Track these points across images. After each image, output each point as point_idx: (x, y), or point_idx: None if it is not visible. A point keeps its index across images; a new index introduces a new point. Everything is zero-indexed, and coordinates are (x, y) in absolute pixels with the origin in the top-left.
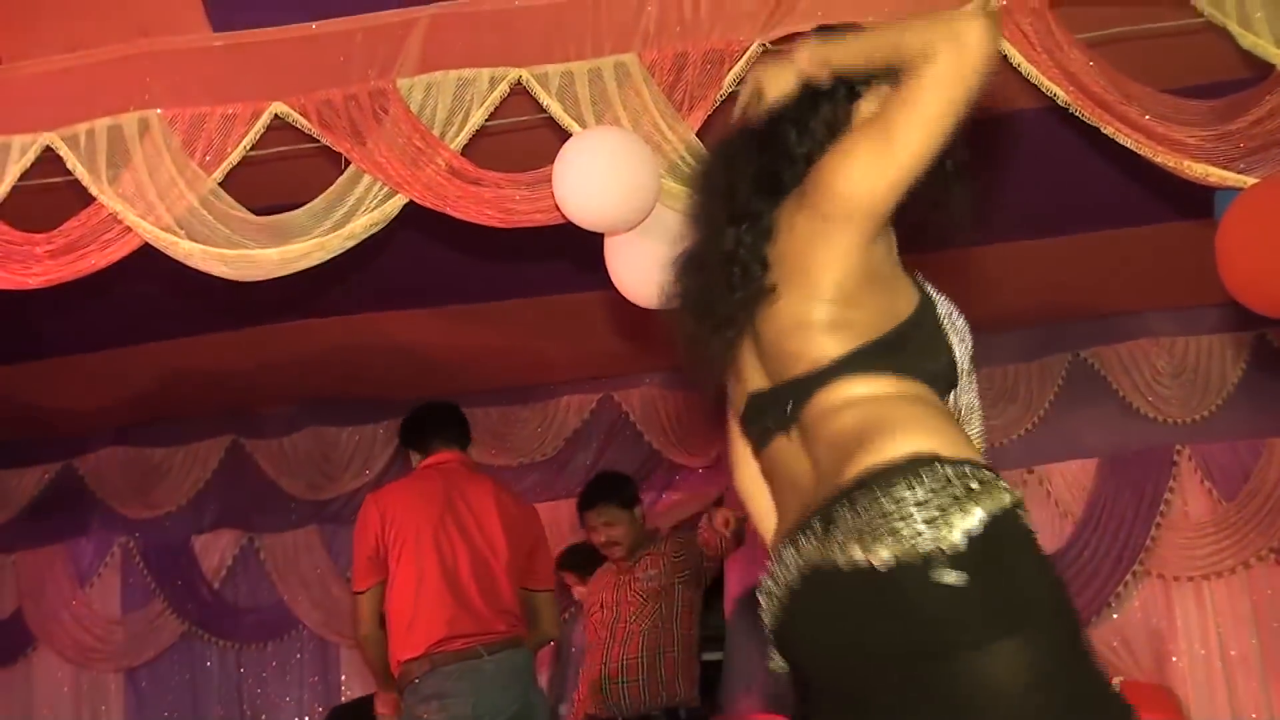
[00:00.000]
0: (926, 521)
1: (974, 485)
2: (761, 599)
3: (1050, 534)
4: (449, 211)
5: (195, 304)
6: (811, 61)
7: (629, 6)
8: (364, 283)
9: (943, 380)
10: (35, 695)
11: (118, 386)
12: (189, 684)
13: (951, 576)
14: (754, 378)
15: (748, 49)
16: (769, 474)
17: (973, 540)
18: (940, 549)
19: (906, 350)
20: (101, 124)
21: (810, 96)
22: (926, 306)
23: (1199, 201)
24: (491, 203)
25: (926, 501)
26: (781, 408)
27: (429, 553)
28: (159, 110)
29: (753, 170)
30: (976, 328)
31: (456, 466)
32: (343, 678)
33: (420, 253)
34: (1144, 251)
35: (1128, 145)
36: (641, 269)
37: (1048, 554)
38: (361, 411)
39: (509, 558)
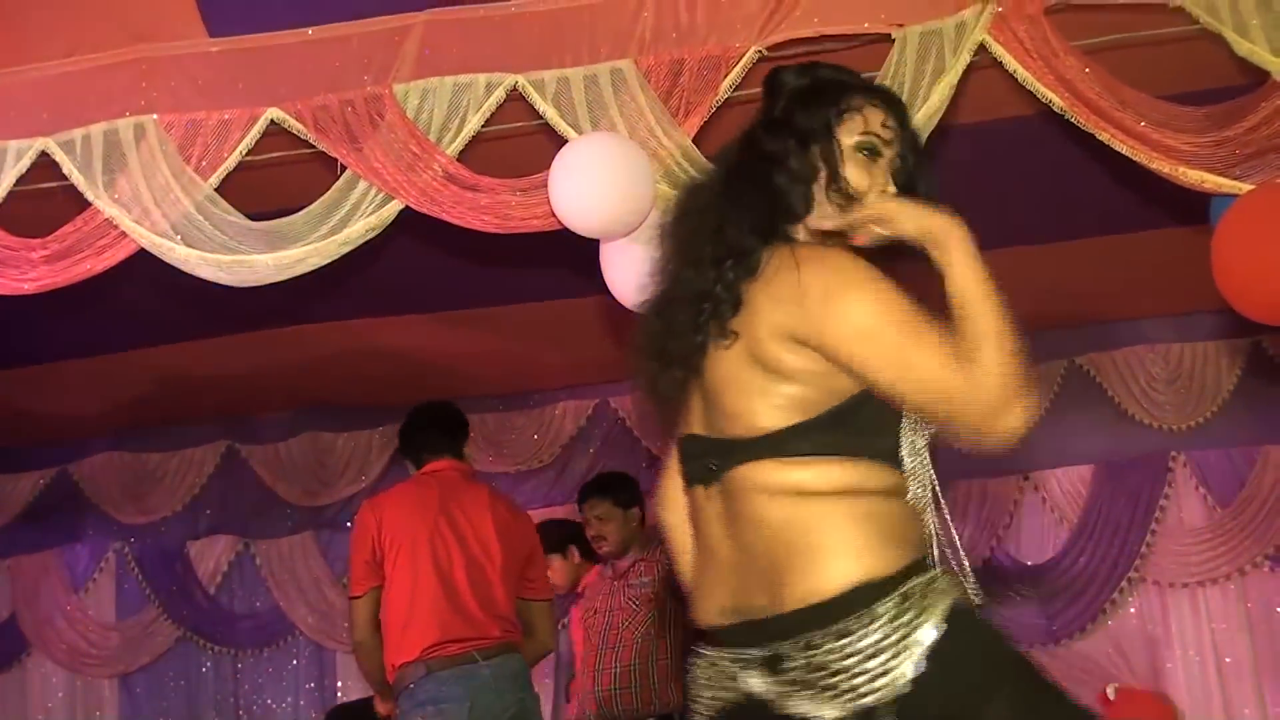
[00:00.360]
0: (883, 670)
1: (916, 606)
2: (697, 692)
3: (1046, 541)
4: (445, 217)
5: (191, 309)
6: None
7: (625, 12)
8: (360, 288)
9: (893, 456)
10: (29, 701)
11: (113, 391)
12: (184, 690)
13: (920, 706)
14: (694, 420)
15: (744, 55)
16: (693, 517)
17: (929, 664)
18: (900, 690)
19: (853, 426)
20: (97, 129)
21: (801, 140)
22: None
23: (1194, 208)
24: (487, 208)
25: (880, 643)
26: (711, 458)
27: (425, 558)
28: (155, 115)
29: (748, 210)
30: None
31: (453, 474)
32: (339, 684)
33: (416, 258)
34: (1139, 258)
35: (1123, 152)
36: (637, 275)
37: (1002, 632)
38: (358, 417)
39: (504, 564)
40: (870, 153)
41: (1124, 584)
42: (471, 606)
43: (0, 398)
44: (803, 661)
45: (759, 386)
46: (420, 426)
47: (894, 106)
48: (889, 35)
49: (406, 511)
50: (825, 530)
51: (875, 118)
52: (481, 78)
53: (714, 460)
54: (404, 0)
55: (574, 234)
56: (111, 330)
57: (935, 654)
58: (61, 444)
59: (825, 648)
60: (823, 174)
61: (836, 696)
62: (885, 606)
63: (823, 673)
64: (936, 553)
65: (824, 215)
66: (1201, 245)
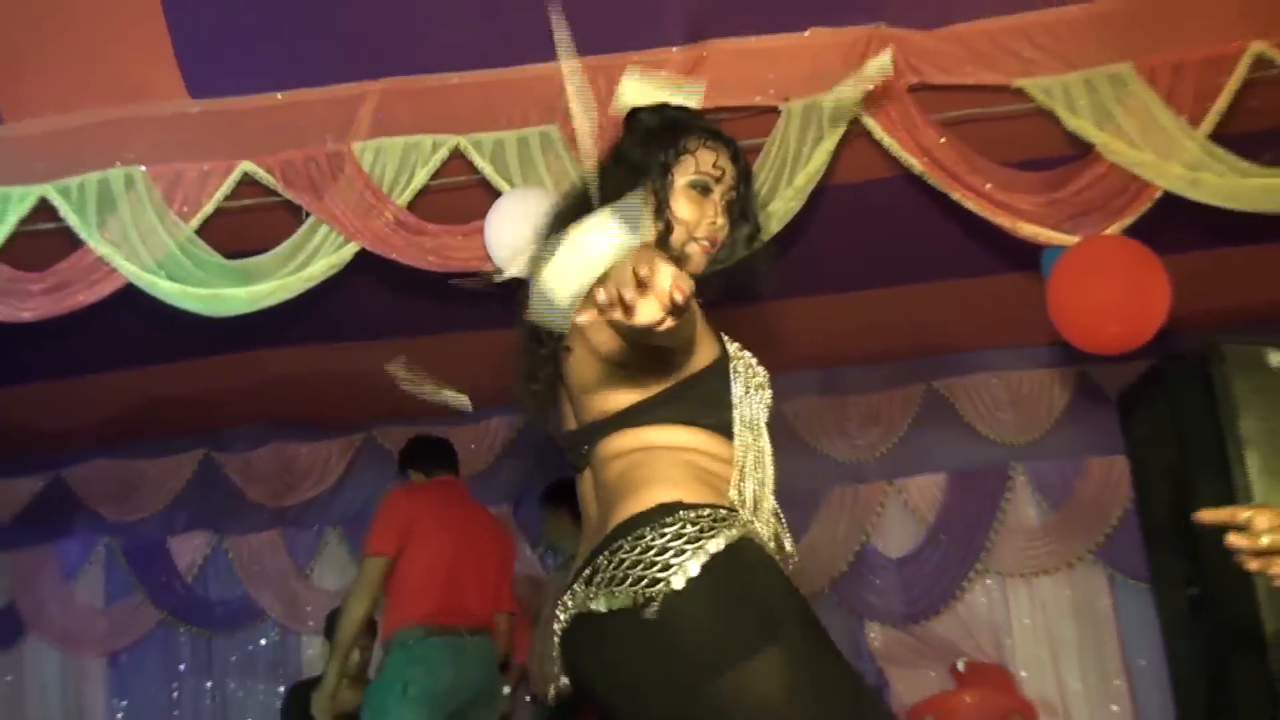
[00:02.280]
0: (666, 565)
1: (706, 526)
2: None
3: (906, 538)
4: (395, 258)
5: (172, 336)
6: None
7: (551, 84)
8: (321, 318)
9: (727, 430)
10: (26, 678)
11: (102, 407)
12: (165, 667)
13: (695, 609)
14: (567, 418)
15: None
16: (581, 498)
17: (703, 572)
18: (675, 587)
19: (684, 402)
20: (91, 178)
21: (637, 174)
22: (718, 365)
23: (1029, 256)
24: (432, 250)
25: (668, 545)
26: (582, 444)
27: (445, 541)
28: (142, 167)
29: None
30: (846, 363)
31: (461, 488)
32: (303, 662)
33: (370, 293)
34: (985, 298)
35: (972, 209)
36: None
37: (779, 573)
38: (318, 430)
39: (494, 567)
40: (702, 189)
41: (971, 574)
42: (469, 592)
43: (2, 412)
44: (606, 563)
45: (600, 379)
46: (431, 448)
47: (727, 146)
48: (777, 107)
49: (434, 502)
50: (650, 469)
51: (707, 159)
52: (428, 138)
53: (584, 445)
54: (362, 69)
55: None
56: (102, 353)
57: (712, 566)
58: (56, 452)
59: (624, 548)
60: (651, 205)
61: (628, 586)
62: (678, 518)
63: (620, 567)
64: (751, 504)
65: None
66: (1035, 289)
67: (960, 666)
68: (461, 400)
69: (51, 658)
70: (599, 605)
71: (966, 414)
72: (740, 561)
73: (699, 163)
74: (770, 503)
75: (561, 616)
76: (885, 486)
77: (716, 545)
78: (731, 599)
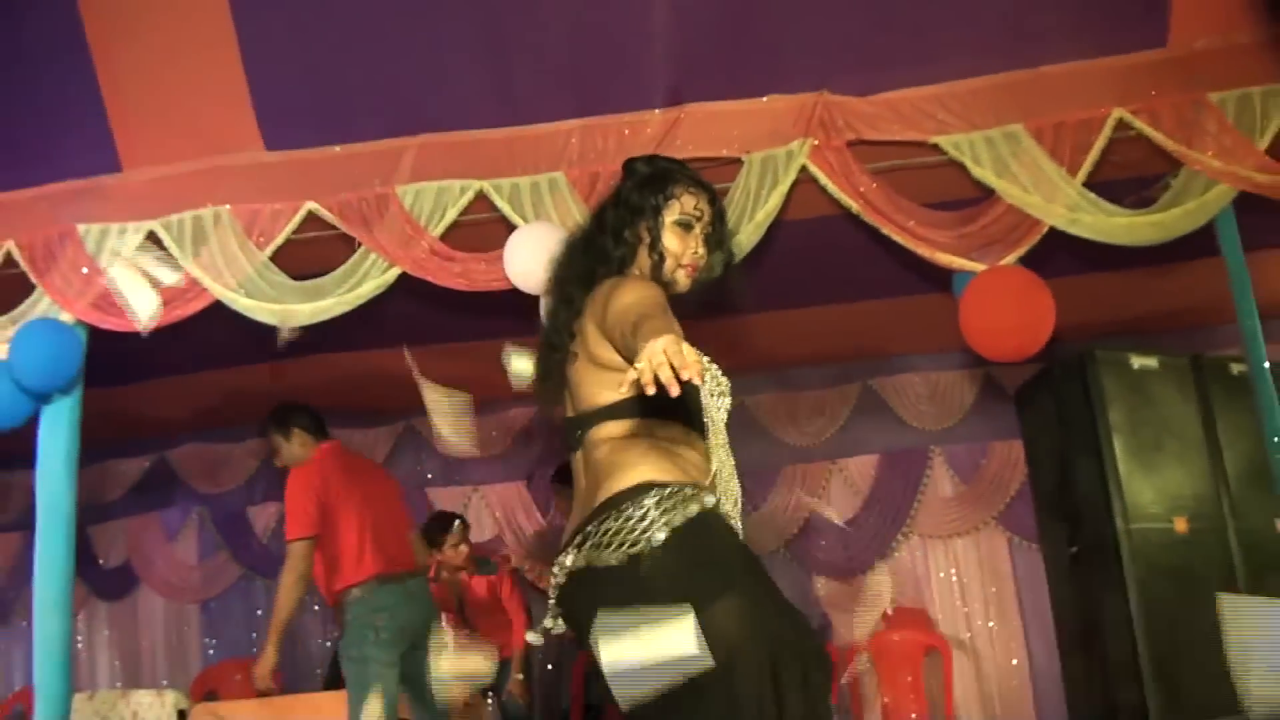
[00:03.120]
0: (644, 531)
1: (675, 501)
2: (552, 581)
3: (847, 506)
4: (430, 279)
5: (250, 342)
6: None
7: (558, 139)
8: (370, 329)
9: (696, 426)
10: (139, 620)
11: (196, 400)
12: (245, 613)
13: (665, 562)
14: (566, 407)
15: None
16: (574, 473)
17: (673, 536)
18: (653, 547)
19: (653, 401)
20: (188, 215)
21: (634, 215)
22: None
23: (944, 280)
24: (460, 274)
25: (644, 516)
26: (576, 430)
27: (360, 503)
28: (228, 206)
29: (577, 267)
30: (799, 365)
31: (342, 448)
32: None
33: (409, 308)
34: (908, 313)
35: (899, 241)
36: None
37: (734, 537)
38: (366, 418)
39: (401, 511)
40: (685, 226)
41: (899, 536)
42: (392, 539)
43: (118, 405)
44: (594, 530)
45: (595, 379)
46: (309, 412)
47: (706, 191)
48: (740, 158)
49: (337, 470)
50: (629, 454)
51: (690, 202)
52: (458, 183)
53: (578, 430)
54: (404, 127)
55: (520, 291)
56: (196, 357)
57: (684, 528)
58: (160, 437)
59: (610, 519)
60: (646, 241)
61: (615, 549)
62: (653, 494)
63: (607, 534)
64: (720, 487)
65: (641, 269)
66: (949, 306)
67: (889, 611)
68: (461, 398)
69: (157, 605)
70: (593, 562)
71: (895, 406)
72: (702, 528)
73: (683, 205)
74: (735, 491)
75: (558, 573)
76: (829, 465)
77: (682, 517)
78: (694, 558)
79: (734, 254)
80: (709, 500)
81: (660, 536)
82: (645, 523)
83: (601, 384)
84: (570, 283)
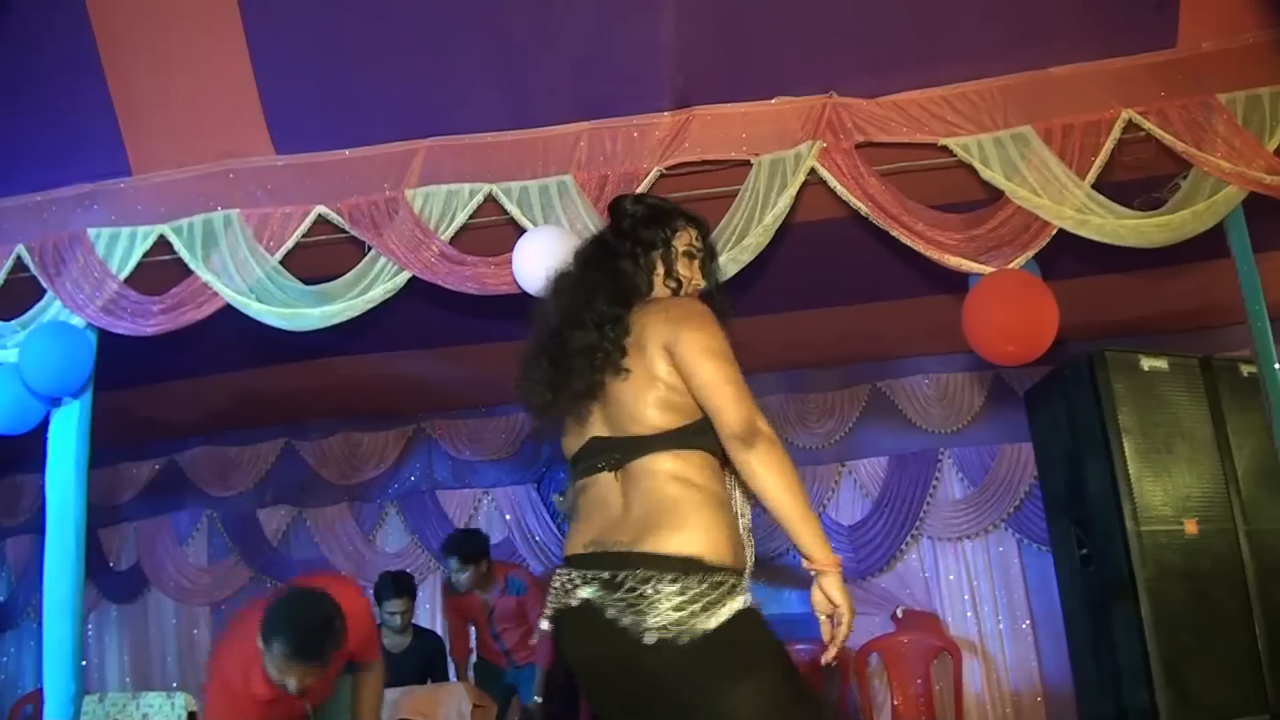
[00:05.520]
0: (675, 610)
1: (718, 594)
2: (550, 596)
3: (856, 509)
4: (440, 283)
5: (261, 346)
6: None
7: (567, 142)
8: (380, 332)
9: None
10: (149, 622)
11: (207, 404)
12: None
13: (689, 651)
14: (597, 426)
15: (650, 173)
16: (583, 492)
17: (717, 630)
18: (685, 633)
19: (708, 433)
20: (198, 219)
21: (646, 248)
22: None
23: (953, 282)
24: (470, 277)
25: (680, 598)
26: (615, 453)
27: None
28: (238, 210)
29: (609, 288)
30: (809, 367)
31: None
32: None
33: (419, 311)
34: (918, 315)
35: (907, 244)
36: None
37: (773, 631)
38: (378, 422)
39: None
40: (689, 256)
41: (909, 539)
42: None
43: (128, 408)
44: (631, 585)
45: (652, 399)
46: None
47: (700, 226)
48: (749, 161)
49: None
50: (690, 512)
51: (691, 234)
52: (467, 186)
53: (617, 454)
54: (413, 131)
55: (528, 294)
56: (206, 360)
57: (721, 629)
58: (170, 440)
59: (650, 582)
60: (661, 269)
61: (638, 614)
62: (696, 578)
63: (638, 596)
64: (751, 559)
65: (659, 293)
66: (957, 308)
67: (899, 614)
68: None
69: (167, 607)
70: (623, 623)
71: (904, 409)
72: (743, 623)
73: (689, 237)
74: (747, 519)
75: (574, 593)
76: (838, 467)
77: (715, 618)
78: (728, 650)
79: (719, 281)
80: (747, 594)
81: (698, 629)
82: (676, 602)
83: (656, 406)
84: (609, 304)
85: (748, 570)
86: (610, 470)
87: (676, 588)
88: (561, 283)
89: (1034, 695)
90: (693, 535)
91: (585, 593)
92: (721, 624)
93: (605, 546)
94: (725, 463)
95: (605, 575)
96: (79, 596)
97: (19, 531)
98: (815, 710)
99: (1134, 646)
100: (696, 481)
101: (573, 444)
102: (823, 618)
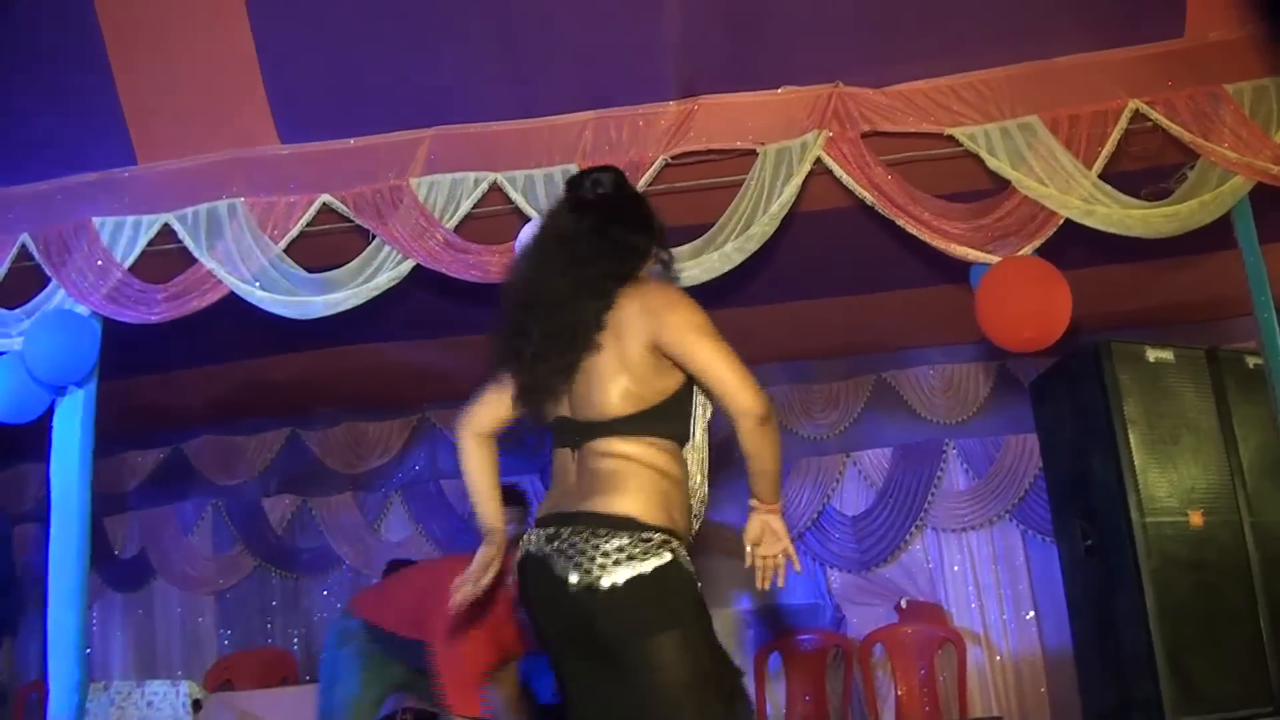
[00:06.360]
0: (613, 563)
1: (646, 547)
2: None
3: (860, 500)
4: (444, 272)
5: (266, 335)
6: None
7: (572, 131)
8: (384, 320)
9: (685, 440)
10: (154, 611)
11: (212, 392)
12: (260, 603)
13: (617, 596)
14: (564, 405)
15: (655, 161)
16: (552, 463)
17: (640, 578)
18: (612, 582)
19: (663, 419)
20: (203, 207)
21: (645, 226)
22: (686, 388)
23: (959, 272)
24: (474, 265)
25: (617, 550)
26: (575, 435)
27: None
28: (243, 199)
29: (604, 262)
30: (813, 358)
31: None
32: None
33: (424, 300)
34: (923, 305)
35: (913, 233)
36: None
37: (696, 585)
38: (383, 412)
39: None
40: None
41: (913, 530)
42: None
43: (133, 396)
44: (569, 538)
45: (616, 389)
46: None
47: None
48: (755, 150)
49: None
50: (630, 484)
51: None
52: (471, 175)
53: (577, 436)
54: (418, 120)
55: None
56: (211, 349)
57: (643, 577)
58: (175, 429)
59: (584, 536)
60: (652, 254)
61: (576, 568)
62: (628, 534)
63: (575, 550)
64: (697, 525)
65: (648, 271)
66: (964, 298)
67: (903, 604)
68: None
69: (172, 595)
70: (559, 571)
71: (909, 399)
72: (671, 576)
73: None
74: (703, 492)
75: (527, 547)
76: (843, 458)
77: (649, 564)
78: (654, 600)
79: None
80: (677, 551)
81: (620, 577)
82: (610, 558)
83: (617, 394)
84: (604, 279)
85: (689, 535)
86: (570, 449)
87: (612, 544)
88: (535, 258)
89: (1038, 686)
90: (630, 498)
91: (534, 546)
92: (647, 574)
93: (557, 509)
94: (682, 445)
95: (551, 530)
96: (84, 585)
97: (24, 520)
98: (733, 674)
99: (1138, 638)
100: (643, 459)
101: (549, 413)
102: (749, 547)
